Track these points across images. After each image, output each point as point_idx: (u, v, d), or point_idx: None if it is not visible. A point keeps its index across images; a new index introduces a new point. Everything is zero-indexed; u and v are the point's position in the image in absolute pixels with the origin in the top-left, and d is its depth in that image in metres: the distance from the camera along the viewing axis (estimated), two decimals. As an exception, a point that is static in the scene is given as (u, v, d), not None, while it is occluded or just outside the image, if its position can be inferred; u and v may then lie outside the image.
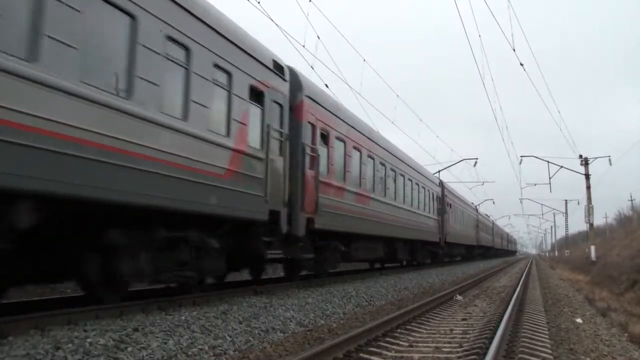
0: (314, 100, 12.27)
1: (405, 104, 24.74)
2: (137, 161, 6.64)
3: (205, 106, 8.12)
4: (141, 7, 6.82)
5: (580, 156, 34.99)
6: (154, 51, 7.06)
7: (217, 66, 8.52)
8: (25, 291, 10.50)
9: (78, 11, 5.88)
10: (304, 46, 13.52)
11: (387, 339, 7.06)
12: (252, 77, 9.57)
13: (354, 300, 10.92)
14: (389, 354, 6.24)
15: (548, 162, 36.71)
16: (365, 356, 6.05)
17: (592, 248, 33.90)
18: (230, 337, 6.38)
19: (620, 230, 58.69)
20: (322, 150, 12.55)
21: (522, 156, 38.63)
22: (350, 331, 7.14)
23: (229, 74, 8.85)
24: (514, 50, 17.40)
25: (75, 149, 5.78)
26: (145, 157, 6.78)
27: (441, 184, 29.89)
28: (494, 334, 7.12)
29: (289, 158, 10.86)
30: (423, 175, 24.84)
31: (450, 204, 31.72)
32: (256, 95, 9.77)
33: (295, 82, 11.56)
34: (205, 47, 8.18)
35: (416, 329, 8.09)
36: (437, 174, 35.02)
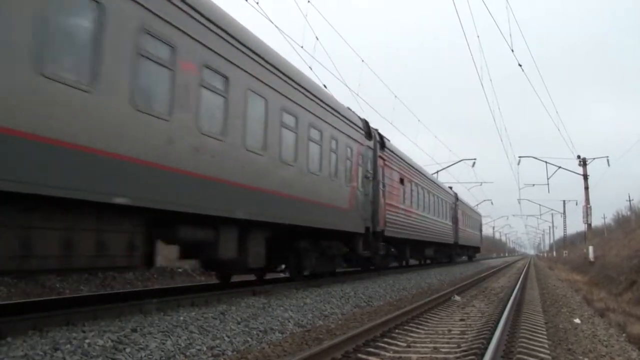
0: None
1: (404, 105, 24.78)
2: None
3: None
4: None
5: (579, 157, 35.03)
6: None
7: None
8: (23, 292, 10.49)
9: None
10: (302, 47, 13.55)
11: (386, 339, 7.06)
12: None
13: (352, 301, 10.93)
14: (387, 354, 6.25)
15: (546, 162, 36.81)
16: (364, 357, 6.05)
17: (591, 248, 33.91)
18: (228, 337, 6.39)
19: (618, 230, 58.68)
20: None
21: (520, 157, 38.82)
22: (348, 332, 7.15)
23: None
24: (513, 50, 17.44)
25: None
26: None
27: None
28: (492, 334, 7.13)
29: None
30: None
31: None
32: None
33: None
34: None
35: (414, 329, 8.09)
36: (435, 174, 35.68)
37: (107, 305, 7.08)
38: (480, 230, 50.89)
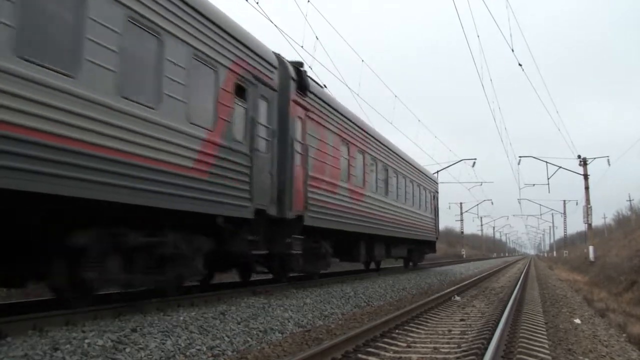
0: None
1: (404, 105, 24.77)
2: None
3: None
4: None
5: (579, 156, 35.03)
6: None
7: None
8: (23, 292, 10.48)
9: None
10: (302, 47, 13.54)
11: (386, 339, 7.06)
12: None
13: (352, 301, 10.93)
14: (387, 354, 6.25)
15: (546, 162, 36.78)
16: (364, 357, 6.05)
17: (591, 248, 33.93)
18: (228, 337, 6.39)
19: (618, 230, 58.82)
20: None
21: (520, 156, 38.65)
22: (348, 332, 7.15)
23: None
24: (513, 50, 17.45)
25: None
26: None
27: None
28: (492, 334, 7.13)
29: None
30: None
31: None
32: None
33: None
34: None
35: (414, 329, 8.09)
36: (436, 174, 31.45)
37: (107, 305, 7.08)
38: (436, 212, 26.02)
